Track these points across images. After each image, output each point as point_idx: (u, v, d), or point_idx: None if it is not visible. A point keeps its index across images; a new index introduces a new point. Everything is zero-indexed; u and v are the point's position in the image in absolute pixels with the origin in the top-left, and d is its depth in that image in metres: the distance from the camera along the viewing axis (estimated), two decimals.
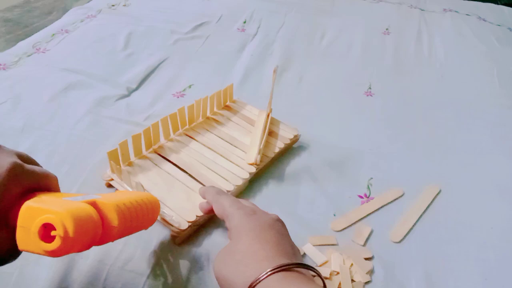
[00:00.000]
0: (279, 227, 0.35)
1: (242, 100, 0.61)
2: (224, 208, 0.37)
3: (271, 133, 0.55)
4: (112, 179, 0.47)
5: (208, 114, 0.58)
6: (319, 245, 0.44)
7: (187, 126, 0.55)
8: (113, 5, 0.90)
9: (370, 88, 0.71)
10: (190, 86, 0.68)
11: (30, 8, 0.92)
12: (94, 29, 0.81)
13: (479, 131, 0.63)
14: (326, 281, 0.40)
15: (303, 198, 0.50)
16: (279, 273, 0.29)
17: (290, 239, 0.35)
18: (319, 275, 0.32)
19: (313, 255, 0.43)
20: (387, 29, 0.90)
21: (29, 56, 0.72)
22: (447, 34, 0.90)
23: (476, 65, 0.80)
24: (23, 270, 0.40)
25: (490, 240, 0.47)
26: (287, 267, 0.30)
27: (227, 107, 0.60)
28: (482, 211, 0.50)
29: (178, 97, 0.65)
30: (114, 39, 0.78)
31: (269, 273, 0.29)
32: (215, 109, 0.58)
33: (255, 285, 0.29)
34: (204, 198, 0.43)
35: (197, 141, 0.53)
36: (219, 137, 0.54)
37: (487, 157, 0.58)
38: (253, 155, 0.50)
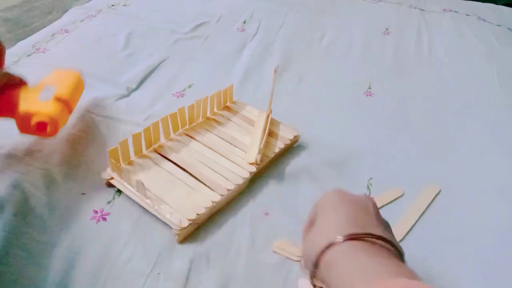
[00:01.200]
0: (363, 204, 0.35)
1: (242, 101, 0.61)
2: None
3: (271, 134, 0.55)
4: (112, 178, 0.47)
5: (208, 114, 0.58)
6: None
7: (187, 126, 0.55)
8: (113, 5, 0.90)
9: (370, 88, 0.71)
10: (190, 86, 0.68)
11: (30, 7, 0.91)
12: (94, 29, 0.81)
13: (479, 131, 0.63)
14: None
15: (303, 198, 0.50)
16: (346, 243, 0.30)
17: (377, 215, 0.35)
18: (396, 247, 0.32)
19: None
20: (387, 29, 0.90)
21: (29, 56, 0.72)
22: (447, 34, 0.90)
23: (476, 65, 0.80)
24: (23, 270, 0.39)
25: (490, 240, 0.47)
26: (360, 236, 0.30)
27: (227, 108, 0.60)
28: (482, 211, 0.50)
29: (178, 97, 0.65)
30: (114, 39, 0.78)
31: (339, 240, 0.30)
32: (215, 110, 0.58)
33: (320, 256, 0.30)
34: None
35: (197, 140, 0.53)
36: (219, 137, 0.54)
37: (487, 157, 0.58)
38: (253, 155, 0.50)
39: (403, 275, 0.27)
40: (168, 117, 0.52)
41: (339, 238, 0.30)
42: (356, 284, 0.27)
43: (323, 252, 0.30)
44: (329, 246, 0.30)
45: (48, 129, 0.46)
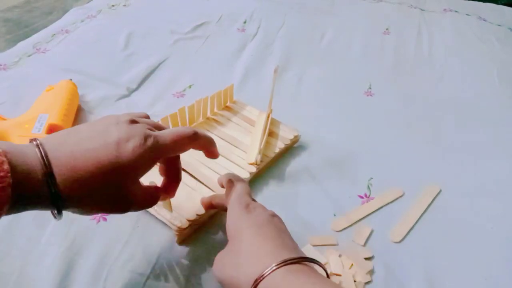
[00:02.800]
0: (277, 223, 0.35)
1: (242, 101, 0.61)
2: (231, 196, 0.37)
3: (271, 134, 0.55)
4: None
5: (208, 114, 0.58)
6: (319, 245, 0.44)
7: (187, 126, 0.55)
8: (113, 5, 0.90)
9: (370, 88, 0.71)
10: (190, 86, 0.68)
11: (30, 8, 0.92)
12: (94, 29, 0.81)
13: (479, 131, 0.63)
14: None
15: (303, 198, 0.50)
16: (283, 268, 0.29)
17: (289, 234, 0.35)
18: (322, 267, 0.32)
19: (313, 256, 0.43)
20: (387, 29, 0.90)
21: (29, 56, 0.72)
22: (447, 34, 0.90)
23: (476, 65, 0.80)
24: (23, 271, 0.40)
25: (490, 240, 0.47)
26: (291, 261, 0.29)
27: (227, 108, 0.60)
28: (482, 211, 0.50)
29: (178, 97, 0.65)
30: (114, 39, 0.78)
31: (274, 268, 0.29)
32: (215, 110, 0.58)
33: (259, 281, 0.29)
34: (220, 184, 0.42)
35: None
36: (219, 137, 0.54)
37: (487, 157, 0.58)
38: (253, 155, 0.50)
39: None
40: (168, 117, 0.52)
41: (272, 265, 0.29)
42: None
43: (259, 280, 0.29)
44: (263, 276, 0.29)
45: None
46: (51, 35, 0.78)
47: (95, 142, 0.30)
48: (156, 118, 0.52)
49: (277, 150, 0.53)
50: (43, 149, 0.28)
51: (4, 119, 0.52)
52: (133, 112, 0.37)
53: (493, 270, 0.43)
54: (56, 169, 0.28)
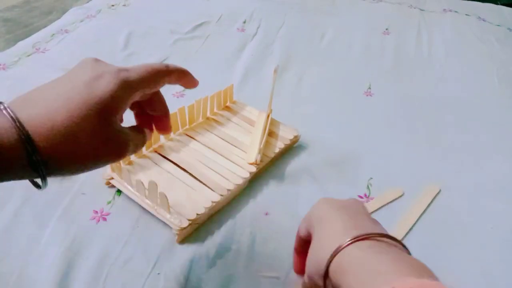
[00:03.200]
0: (355, 208, 0.35)
1: (242, 101, 0.61)
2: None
3: (271, 134, 0.55)
4: (112, 178, 0.47)
5: (208, 114, 0.58)
6: None
7: (187, 126, 0.55)
8: (113, 5, 0.90)
9: (370, 88, 0.71)
10: None
11: (30, 8, 0.91)
12: (94, 29, 0.81)
13: (479, 131, 0.63)
14: None
15: (303, 198, 0.50)
16: (360, 242, 0.29)
17: (369, 215, 0.35)
18: (401, 243, 0.32)
19: None
20: (387, 29, 0.90)
21: (29, 56, 0.72)
22: (447, 34, 0.90)
23: (476, 65, 0.80)
24: (23, 271, 0.40)
25: (490, 240, 0.47)
26: (367, 236, 0.30)
27: (227, 108, 0.60)
28: (482, 211, 0.50)
29: (178, 97, 0.65)
30: (114, 39, 0.78)
31: (348, 242, 0.29)
32: (215, 110, 0.58)
33: (329, 264, 0.29)
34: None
35: (197, 140, 0.53)
36: (219, 137, 0.54)
37: (487, 157, 0.58)
38: (253, 155, 0.50)
39: (417, 272, 0.27)
40: None
41: (346, 241, 0.29)
42: (373, 283, 0.27)
43: (331, 260, 0.29)
44: (336, 252, 0.29)
45: None
46: (50, 35, 0.78)
47: (63, 88, 0.28)
48: None
49: (277, 150, 0.53)
50: (11, 110, 0.25)
51: None
52: None
53: (493, 270, 0.43)
54: (31, 129, 0.25)
